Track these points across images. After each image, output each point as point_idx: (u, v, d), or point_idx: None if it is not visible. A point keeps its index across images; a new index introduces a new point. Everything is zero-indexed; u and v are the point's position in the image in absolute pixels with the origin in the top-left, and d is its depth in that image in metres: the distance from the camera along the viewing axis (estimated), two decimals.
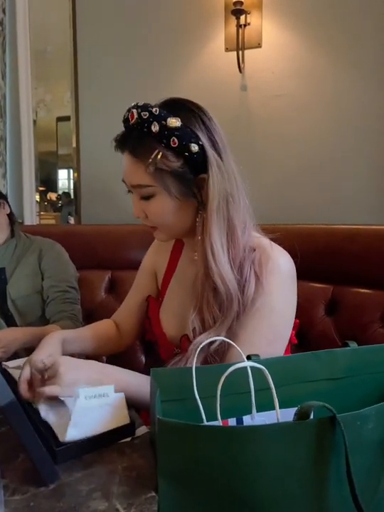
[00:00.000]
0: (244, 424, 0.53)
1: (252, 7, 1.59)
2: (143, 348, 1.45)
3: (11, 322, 1.28)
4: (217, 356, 0.74)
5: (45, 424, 0.68)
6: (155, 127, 0.71)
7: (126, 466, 0.60)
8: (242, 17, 1.56)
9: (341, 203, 1.54)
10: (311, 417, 0.48)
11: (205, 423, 0.50)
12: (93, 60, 1.89)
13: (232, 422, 0.53)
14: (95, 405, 0.64)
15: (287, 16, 1.57)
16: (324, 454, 0.46)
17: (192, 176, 0.74)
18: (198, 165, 0.74)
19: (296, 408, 0.45)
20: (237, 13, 1.53)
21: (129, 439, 0.67)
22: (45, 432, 0.65)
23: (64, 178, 2.10)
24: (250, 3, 1.57)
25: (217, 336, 0.68)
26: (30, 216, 2.03)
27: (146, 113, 0.72)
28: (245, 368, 0.50)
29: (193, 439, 0.43)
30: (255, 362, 0.51)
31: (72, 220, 2.04)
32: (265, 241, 0.80)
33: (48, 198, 2.16)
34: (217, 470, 0.44)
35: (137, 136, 0.74)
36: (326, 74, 1.55)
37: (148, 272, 1.00)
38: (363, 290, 1.17)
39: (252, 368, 0.50)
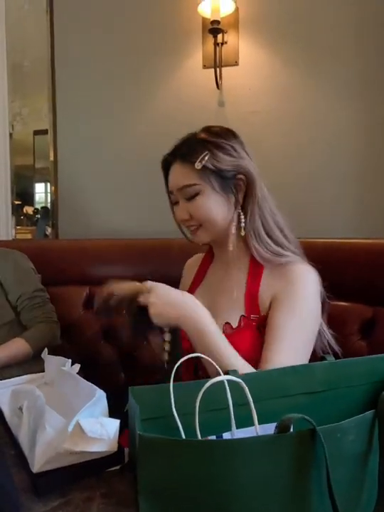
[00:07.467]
0: None
1: (229, 26, 1.63)
2: (122, 365, 1.43)
3: None
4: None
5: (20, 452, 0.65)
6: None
7: (105, 493, 0.58)
8: (219, 36, 1.59)
9: (318, 217, 1.57)
10: (292, 430, 0.47)
11: None
12: (71, 74, 1.89)
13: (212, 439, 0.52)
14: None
15: (263, 35, 1.62)
16: (305, 466, 0.46)
17: (231, 175, 0.88)
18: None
19: (275, 423, 0.45)
20: (214, 31, 1.57)
21: (117, 467, 0.64)
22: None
23: (41, 192, 2.07)
24: (227, 22, 1.61)
25: None
26: (6, 230, 1.99)
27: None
28: (224, 383, 0.50)
29: (173, 454, 0.43)
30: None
31: (49, 230, 2.00)
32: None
33: (25, 211, 2.12)
34: (198, 485, 0.44)
35: (188, 144, 0.90)
36: (302, 91, 1.59)
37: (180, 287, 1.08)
38: (341, 303, 1.18)
39: (230, 383, 0.49)
